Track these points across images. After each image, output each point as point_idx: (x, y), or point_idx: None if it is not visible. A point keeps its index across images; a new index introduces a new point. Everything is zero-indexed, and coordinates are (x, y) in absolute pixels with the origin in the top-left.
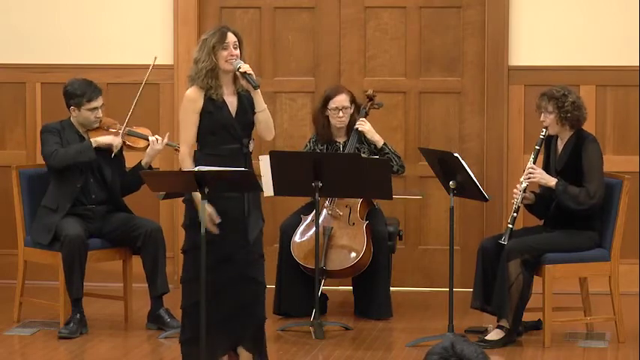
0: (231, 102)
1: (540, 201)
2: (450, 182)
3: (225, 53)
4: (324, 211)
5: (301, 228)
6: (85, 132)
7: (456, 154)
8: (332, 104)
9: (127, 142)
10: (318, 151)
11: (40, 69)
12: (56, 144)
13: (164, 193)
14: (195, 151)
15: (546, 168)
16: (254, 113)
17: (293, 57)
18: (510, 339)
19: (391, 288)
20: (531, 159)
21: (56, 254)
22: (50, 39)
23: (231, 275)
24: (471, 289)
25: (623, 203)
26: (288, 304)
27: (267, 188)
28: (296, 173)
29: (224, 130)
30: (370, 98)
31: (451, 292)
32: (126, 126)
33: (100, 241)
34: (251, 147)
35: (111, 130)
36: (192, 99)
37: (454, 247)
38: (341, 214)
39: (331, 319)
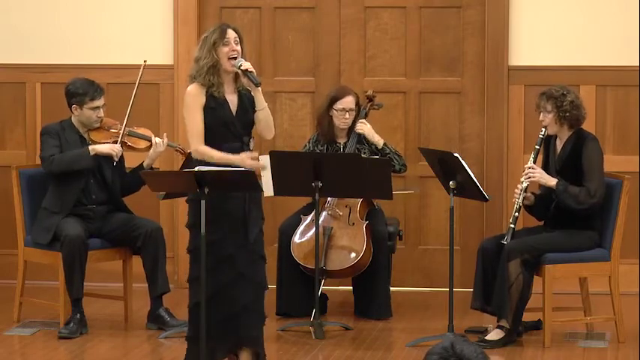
0: (232, 100)
1: (540, 202)
2: (450, 182)
3: (226, 49)
4: (324, 211)
5: (301, 228)
6: (85, 132)
7: (456, 154)
8: (339, 105)
9: (128, 143)
10: (318, 151)
11: (40, 69)
12: (54, 147)
13: (164, 193)
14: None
15: (546, 168)
16: (254, 112)
17: (293, 57)
18: (510, 339)
19: (391, 288)
20: (531, 158)
21: (56, 254)
22: (50, 39)
23: (232, 275)
24: (471, 289)
25: (623, 203)
26: (288, 304)
27: (267, 188)
28: (296, 173)
29: (225, 128)
30: (370, 99)
31: (451, 292)
32: (125, 127)
33: (100, 241)
34: (251, 146)
35: (112, 130)
36: (195, 94)
37: (454, 247)
38: (341, 214)
39: (331, 319)
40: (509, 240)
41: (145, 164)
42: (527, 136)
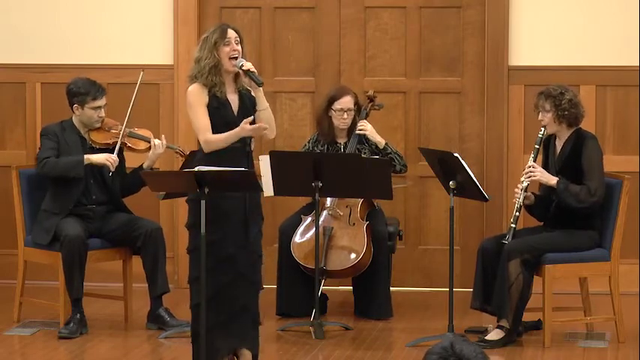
0: (234, 100)
1: (540, 202)
2: (450, 182)
3: (227, 49)
4: (325, 212)
5: (301, 228)
6: (86, 132)
7: (456, 154)
8: (337, 105)
9: (128, 144)
10: (318, 151)
11: (40, 69)
12: (50, 150)
13: (164, 193)
14: (195, 151)
15: (546, 168)
16: (255, 112)
17: (293, 57)
18: (510, 339)
19: (391, 288)
20: (531, 158)
21: (56, 254)
22: (50, 39)
23: (232, 275)
24: (471, 289)
25: (623, 203)
26: (288, 304)
27: (267, 188)
28: (296, 173)
29: (227, 128)
30: (371, 99)
31: (451, 292)
32: (125, 127)
33: (100, 241)
34: (252, 146)
35: (112, 130)
36: (198, 92)
37: (454, 247)
38: (341, 214)
39: (331, 319)
40: (510, 240)
41: (144, 166)
42: (527, 136)
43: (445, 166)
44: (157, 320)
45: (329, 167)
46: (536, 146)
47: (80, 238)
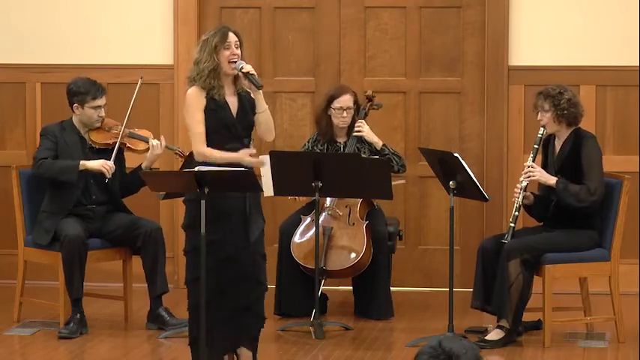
0: (232, 102)
1: (539, 202)
2: (450, 182)
3: (227, 53)
4: (324, 211)
5: (301, 228)
6: (86, 132)
7: (456, 154)
8: (336, 104)
9: (128, 144)
10: (318, 150)
11: (40, 69)
12: (47, 150)
13: (164, 193)
14: (191, 153)
15: (545, 168)
16: (254, 114)
17: (293, 57)
18: (510, 339)
19: (391, 288)
20: (530, 158)
21: (56, 254)
22: (50, 39)
23: (233, 276)
24: (471, 289)
25: (623, 203)
26: (288, 304)
27: (267, 188)
28: (296, 173)
29: (226, 130)
30: (369, 99)
31: (451, 292)
32: (125, 128)
33: (100, 241)
34: (251, 147)
35: (112, 131)
36: (196, 96)
37: (454, 247)
38: (341, 214)
39: (331, 319)
40: (509, 239)
41: (143, 166)
42: (527, 136)
43: (445, 166)
44: (156, 320)
45: (329, 167)
46: (535, 146)
47: (80, 238)
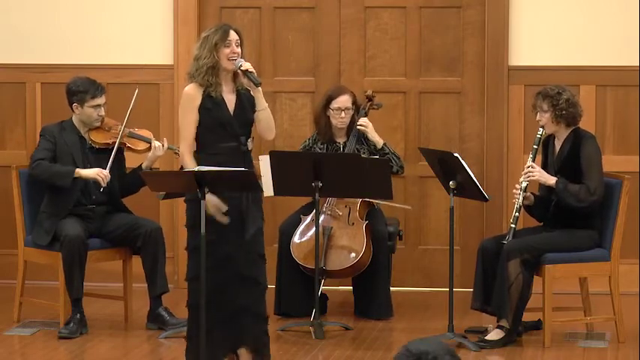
0: (230, 100)
1: (539, 202)
2: (450, 182)
3: (227, 51)
4: (324, 211)
5: (301, 228)
6: (86, 132)
7: (456, 154)
8: (334, 104)
9: (128, 144)
10: (318, 150)
11: (40, 69)
12: (45, 150)
13: (164, 193)
14: (194, 151)
15: (545, 168)
16: (253, 111)
17: (293, 57)
18: (510, 339)
19: (391, 288)
20: (530, 158)
21: (56, 254)
22: (50, 39)
23: (231, 275)
24: (471, 289)
25: (623, 203)
26: (288, 304)
27: (267, 188)
28: (296, 173)
29: (222, 128)
30: (369, 99)
31: (451, 292)
32: (125, 127)
33: (100, 241)
34: (250, 145)
35: (112, 130)
36: (191, 96)
37: (454, 247)
38: (340, 214)
39: (331, 319)
40: (510, 240)
41: (143, 166)
42: (527, 136)
43: (445, 166)
44: (156, 320)
45: (329, 167)
46: (535, 146)
47: (80, 238)
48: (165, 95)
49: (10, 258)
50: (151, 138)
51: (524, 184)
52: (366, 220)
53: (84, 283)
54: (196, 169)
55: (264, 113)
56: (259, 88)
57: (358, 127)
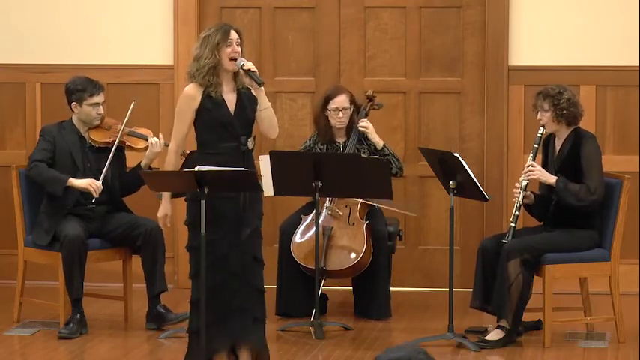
0: (230, 99)
1: (539, 202)
2: (450, 182)
3: (228, 50)
4: (324, 211)
5: (301, 228)
6: (85, 131)
7: (456, 154)
8: (332, 104)
9: (128, 143)
10: (318, 150)
11: (40, 69)
12: (44, 151)
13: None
14: (193, 151)
15: (545, 167)
16: (254, 111)
17: (293, 57)
18: (510, 339)
19: (391, 288)
20: (530, 157)
21: (56, 254)
22: (50, 39)
23: (225, 275)
24: (471, 289)
25: (623, 203)
26: (288, 304)
27: (267, 188)
28: (296, 173)
29: (222, 128)
30: (370, 99)
31: (451, 292)
32: (124, 126)
33: (100, 241)
34: (250, 145)
35: (112, 129)
36: (191, 96)
37: (454, 247)
38: (341, 214)
39: (331, 319)
40: (510, 239)
41: (142, 164)
42: (527, 136)
43: (445, 166)
44: (156, 318)
45: (329, 167)
46: (535, 146)
47: (80, 238)
48: (165, 95)
49: (10, 258)
50: (151, 136)
51: (524, 183)
52: (366, 221)
53: (84, 283)
54: (196, 169)
55: (266, 112)
56: (262, 87)
57: (360, 128)
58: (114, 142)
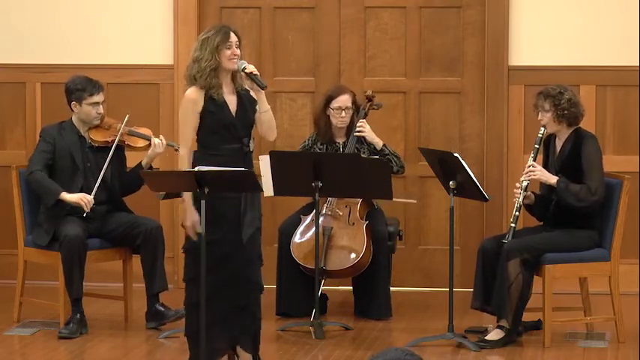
0: (231, 101)
1: (540, 201)
2: (450, 182)
3: (228, 52)
4: (324, 211)
5: (301, 228)
6: (86, 131)
7: (456, 154)
8: (334, 104)
9: (127, 142)
10: (318, 150)
11: (40, 69)
12: (44, 152)
13: (164, 193)
14: (194, 151)
15: (545, 167)
16: (254, 112)
17: (293, 57)
18: (510, 339)
19: (391, 288)
20: (531, 157)
21: (56, 254)
22: (50, 39)
23: (228, 276)
24: (471, 289)
25: (623, 203)
26: (288, 304)
27: (267, 188)
28: (296, 173)
29: (225, 130)
30: (369, 99)
31: (451, 292)
32: (124, 126)
33: (100, 241)
34: (251, 146)
35: (111, 129)
36: (193, 100)
37: (454, 247)
38: (341, 214)
39: (331, 319)
40: (510, 239)
41: (143, 163)
42: (527, 136)
43: (445, 166)
44: (155, 317)
45: (329, 167)
46: (536, 146)
47: (79, 238)
48: (165, 95)
49: (10, 258)
50: (151, 136)
51: (525, 183)
52: (366, 220)
53: (84, 283)
54: (196, 169)
55: (266, 115)
56: (263, 90)
57: (356, 133)
58: (114, 141)
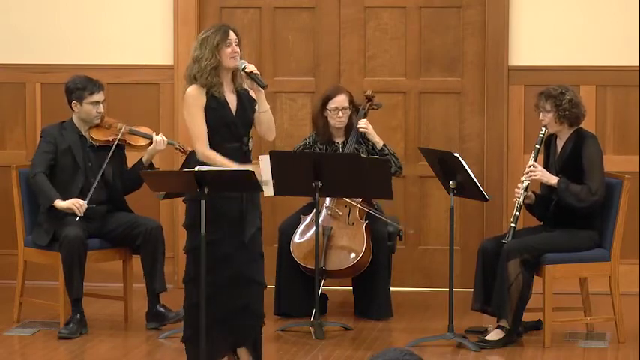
0: (232, 100)
1: (540, 201)
2: (450, 182)
3: (228, 50)
4: (324, 211)
5: (301, 228)
6: (86, 131)
7: (456, 154)
8: (331, 104)
9: (128, 141)
10: (318, 150)
11: (40, 69)
12: (45, 153)
13: (164, 193)
14: (193, 151)
15: (546, 168)
16: (253, 111)
17: (293, 57)
18: (510, 339)
19: (391, 288)
20: (532, 158)
21: (56, 254)
22: (50, 39)
23: (231, 275)
24: (471, 289)
25: (623, 203)
26: (288, 304)
27: (267, 188)
28: (296, 173)
29: (226, 129)
30: (369, 99)
31: (451, 292)
32: (125, 125)
33: (100, 241)
34: (250, 146)
35: (112, 128)
36: (196, 96)
37: (454, 247)
38: (341, 214)
39: (331, 319)
40: (510, 239)
41: (143, 159)
42: (527, 136)
43: (445, 166)
44: (156, 318)
45: (329, 167)
46: (537, 146)
47: (79, 238)
48: (165, 95)
49: (10, 258)
50: (152, 134)
51: (525, 184)
52: (366, 220)
53: (84, 283)
54: (196, 169)
55: (265, 115)
56: (263, 90)
57: (359, 129)
58: (114, 140)
